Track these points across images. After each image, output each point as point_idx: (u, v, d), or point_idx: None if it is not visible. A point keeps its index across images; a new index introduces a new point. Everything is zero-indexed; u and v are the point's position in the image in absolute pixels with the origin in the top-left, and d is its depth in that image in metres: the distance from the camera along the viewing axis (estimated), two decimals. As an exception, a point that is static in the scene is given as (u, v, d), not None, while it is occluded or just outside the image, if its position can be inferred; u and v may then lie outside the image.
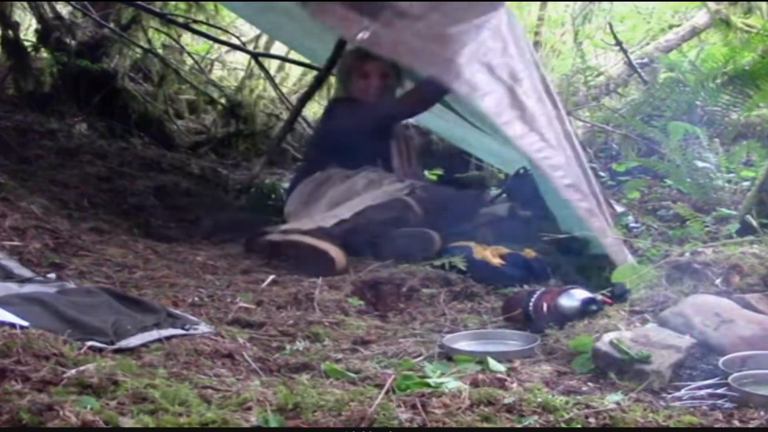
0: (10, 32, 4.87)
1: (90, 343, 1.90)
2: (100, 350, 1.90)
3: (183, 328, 2.17)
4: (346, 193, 3.42)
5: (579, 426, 1.56)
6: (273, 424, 1.53)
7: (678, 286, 2.28)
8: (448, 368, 1.97)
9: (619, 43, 5.41)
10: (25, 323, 1.90)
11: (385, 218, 3.32)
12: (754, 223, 2.94)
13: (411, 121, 4.74)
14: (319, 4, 3.20)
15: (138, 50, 5.39)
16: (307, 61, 5.29)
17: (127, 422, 1.49)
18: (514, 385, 1.83)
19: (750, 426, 1.62)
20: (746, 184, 3.62)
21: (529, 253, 3.09)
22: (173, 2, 5.39)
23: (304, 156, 4.31)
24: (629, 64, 5.32)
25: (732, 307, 2.09)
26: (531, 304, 2.35)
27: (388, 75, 3.69)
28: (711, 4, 5.41)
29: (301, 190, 3.59)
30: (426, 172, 4.56)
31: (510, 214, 3.56)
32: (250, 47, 6.23)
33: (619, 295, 2.38)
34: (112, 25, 5.16)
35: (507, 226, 3.46)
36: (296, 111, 4.63)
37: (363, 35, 3.04)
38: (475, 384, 1.80)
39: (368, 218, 3.30)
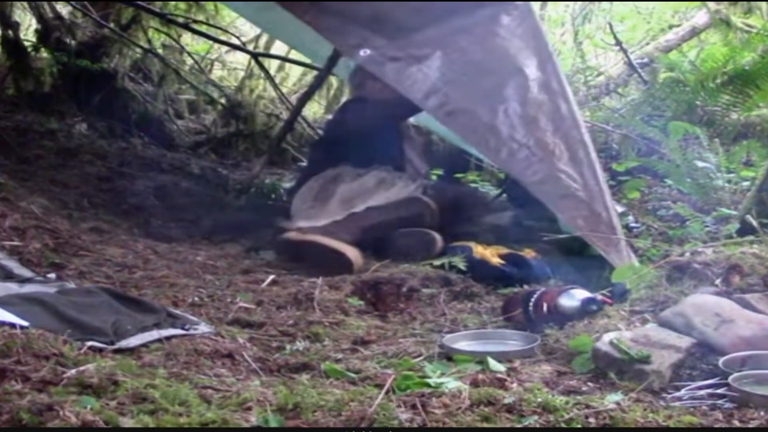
0: (10, 32, 4.88)
1: (90, 343, 1.91)
2: (100, 350, 1.90)
3: (183, 328, 2.17)
4: (357, 190, 3.42)
5: (579, 426, 1.56)
6: (273, 424, 1.53)
7: (678, 286, 2.28)
8: (448, 368, 1.97)
9: (619, 43, 5.41)
10: (25, 323, 1.90)
11: (402, 216, 3.32)
12: (754, 223, 2.94)
13: (411, 120, 4.74)
14: (317, 16, 3.17)
15: (138, 50, 5.39)
16: (307, 61, 5.29)
17: (127, 422, 1.49)
18: (514, 385, 1.83)
19: (750, 426, 1.62)
20: (746, 184, 3.62)
21: (529, 253, 3.09)
22: (173, 2, 5.39)
23: (310, 156, 4.27)
24: (629, 64, 5.32)
25: (732, 307, 2.08)
26: (531, 304, 2.35)
27: None
28: (711, 4, 5.41)
29: (311, 186, 3.58)
30: (426, 173, 4.56)
31: (513, 222, 3.57)
32: (250, 47, 6.23)
33: (619, 295, 2.38)
34: (112, 25, 5.16)
35: (511, 234, 3.46)
36: (296, 111, 4.63)
37: (364, 53, 3.04)
38: (475, 384, 1.80)
39: (385, 216, 3.30)
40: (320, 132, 4.91)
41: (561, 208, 2.84)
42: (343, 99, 5.29)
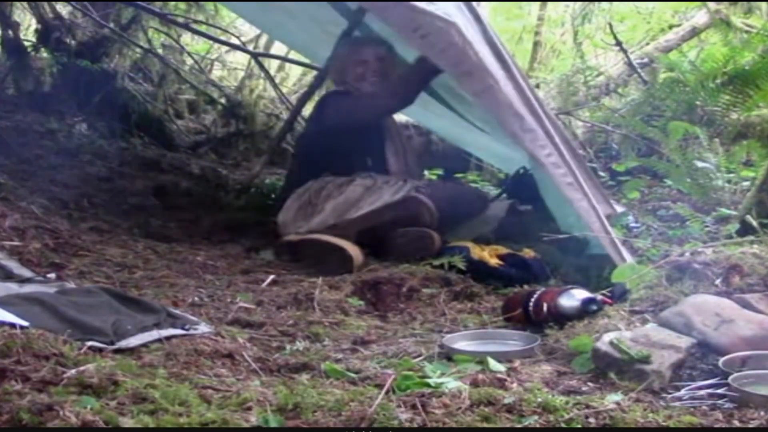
0: (10, 32, 4.88)
1: (90, 343, 1.91)
2: (100, 350, 1.90)
3: (183, 328, 2.17)
4: (345, 204, 3.33)
5: (579, 426, 1.56)
6: (273, 424, 1.53)
7: (678, 286, 2.28)
8: (448, 368, 1.97)
9: (619, 43, 5.41)
10: (25, 323, 1.90)
11: (399, 216, 3.27)
12: (754, 223, 2.94)
13: (411, 120, 4.75)
14: None
15: (138, 50, 5.40)
16: (307, 61, 5.29)
17: (127, 422, 1.49)
18: (514, 385, 1.83)
19: (750, 426, 1.62)
20: (746, 184, 3.63)
21: (528, 253, 3.09)
22: (173, 2, 5.39)
23: (294, 158, 4.13)
24: (629, 64, 5.32)
25: (732, 307, 2.08)
26: (531, 304, 2.34)
27: (384, 60, 3.62)
28: (711, 4, 5.40)
29: (295, 200, 3.47)
30: (426, 172, 4.55)
31: (510, 211, 3.56)
32: (250, 47, 6.23)
33: (619, 295, 2.39)
34: (112, 25, 5.16)
35: (510, 226, 3.45)
36: (296, 111, 4.62)
37: None
38: (475, 384, 1.80)
39: (381, 218, 3.27)
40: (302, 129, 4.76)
41: (569, 194, 2.83)
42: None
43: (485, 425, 1.57)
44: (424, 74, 3.36)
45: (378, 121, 3.64)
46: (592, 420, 1.58)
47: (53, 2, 5.21)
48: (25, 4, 5.21)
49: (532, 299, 2.35)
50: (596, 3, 6.75)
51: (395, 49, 3.65)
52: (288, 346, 2.15)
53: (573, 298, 2.30)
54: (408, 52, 3.65)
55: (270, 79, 5.64)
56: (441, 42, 2.89)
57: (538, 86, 5.55)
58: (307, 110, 4.73)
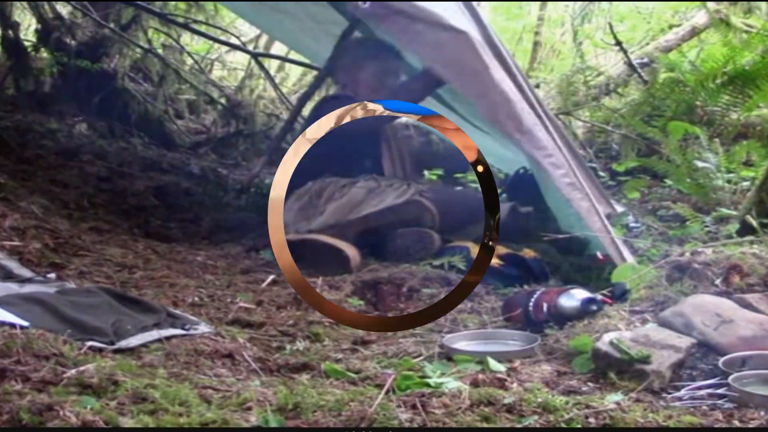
0: (10, 32, 4.88)
1: (90, 343, 1.91)
2: (100, 350, 1.90)
3: (183, 328, 2.17)
4: (347, 206, 3.33)
5: (579, 426, 1.56)
6: (273, 424, 1.53)
7: (678, 286, 2.28)
8: (448, 368, 1.97)
9: (619, 43, 5.41)
10: (25, 323, 1.90)
11: (401, 220, 3.26)
12: (754, 223, 2.94)
13: (411, 121, 4.74)
14: None
15: (138, 50, 5.40)
16: (307, 61, 5.29)
17: (127, 422, 1.49)
18: (514, 385, 1.84)
19: (750, 426, 1.62)
20: (746, 184, 3.62)
21: (528, 253, 3.08)
22: (173, 2, 5.39)
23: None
24: (629, 64, 5.32)
25: (732, 307, 2.09)
26: (531, 304, 2.34)
27: (384, 64, 3.58)
28: (711, 4, 5.40)
29: (296, 200, 3.45)
30: (426, 172, 4.55)
31: (511, 212, 3.55)
32: (250, 47, 6.24)
33: (619, 295, 2.39)
34: (112, 25, 5.16)
35: (511, 227, 3.45)
36: (296, 111, 4.62)
37: (363, 4, 2.98)
38: (475, 384, 1.80)
39: (383, 220, 3.26)
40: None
41: (569, 194, 2.83)
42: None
43: (485, 425, 1.57)
44: (428, 85, 3.35)
45: (376, 128, 3.63)
46: (592, 420, 1.58)
47: (53, 2, 5.21)
48: (25, 4, 5.22)
49: (532, 299, 2.35)
50: (596, 3, 6.75)
51: (400, 53, 3.63)
52: (288, 346, 2.16)
53: (573, 298, 2.30)
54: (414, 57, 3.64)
55: (270, 79, 5.64)
56: (445, 54, 2.90)
57: (538, 86, 5.55)
58: (307, 110, 4.74)
